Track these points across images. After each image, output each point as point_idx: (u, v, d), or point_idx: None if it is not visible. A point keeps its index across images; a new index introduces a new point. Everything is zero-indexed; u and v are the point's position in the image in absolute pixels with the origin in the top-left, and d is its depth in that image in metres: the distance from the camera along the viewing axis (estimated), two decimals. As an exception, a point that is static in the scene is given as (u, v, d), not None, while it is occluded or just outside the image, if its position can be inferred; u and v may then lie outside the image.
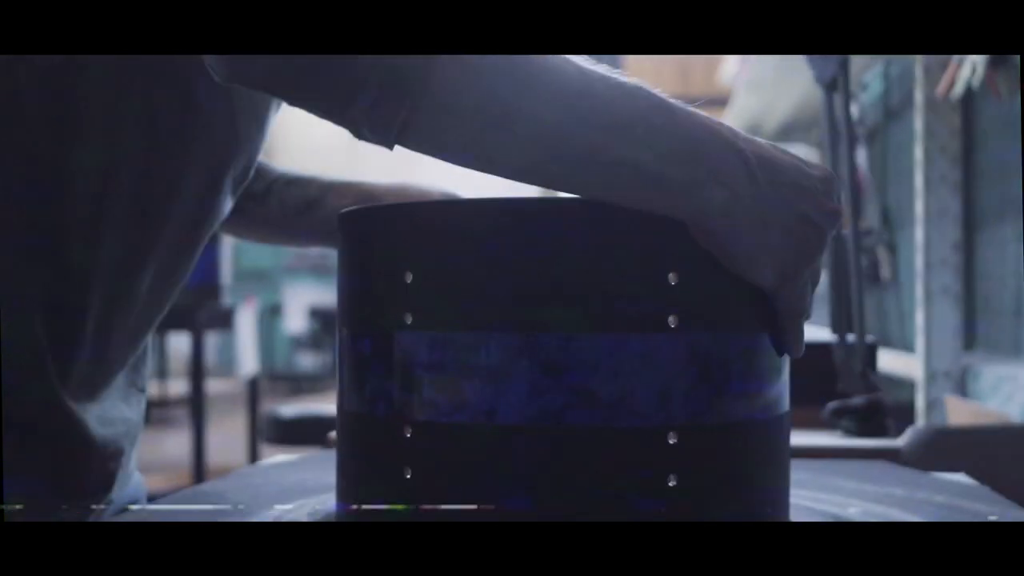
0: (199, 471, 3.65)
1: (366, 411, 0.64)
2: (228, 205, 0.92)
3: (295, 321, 9.55)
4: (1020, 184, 1.58)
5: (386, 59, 0.58)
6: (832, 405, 1.27)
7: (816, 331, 1.54)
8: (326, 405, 4.42)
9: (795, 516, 0.74)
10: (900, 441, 1.24)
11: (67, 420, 0.82)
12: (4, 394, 0.77)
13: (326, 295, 9.70)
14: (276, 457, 1.08)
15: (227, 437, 6.56)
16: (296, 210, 1.09)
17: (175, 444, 6.67)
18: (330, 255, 0.99)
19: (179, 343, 9.02)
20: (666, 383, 0.60)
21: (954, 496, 0.86)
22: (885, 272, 3.16)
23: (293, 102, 0.63)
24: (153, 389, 8.50)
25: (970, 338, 2.14)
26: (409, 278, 0.62)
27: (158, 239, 0.84)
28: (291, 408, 3.52)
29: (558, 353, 0.59)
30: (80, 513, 0.83)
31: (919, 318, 2.10)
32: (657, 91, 0.61)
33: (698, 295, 0.61)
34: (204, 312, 4.22)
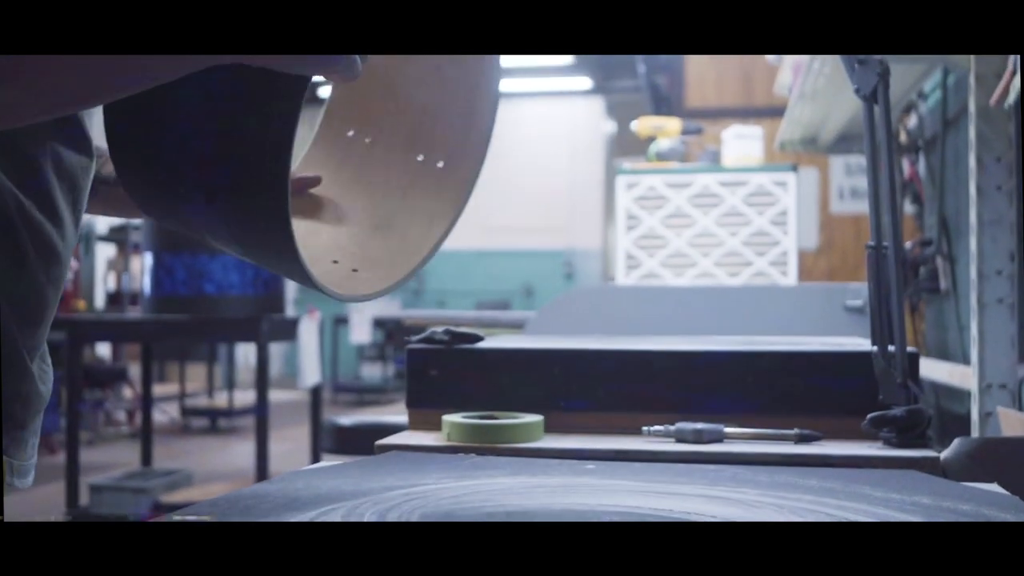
0: (262, 479, 3.72)
1: None
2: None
3: (360, 332, 9.67)
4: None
5: None
6: (872, 416, 1.28)
7: (859, 342, 1.54)
8: (385, 415, 4.47)
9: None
10: (945, 452, 1.24)
11: None
12: None
13: (390, 306, 9.81)
14: (322, 463, 1.12)
15: (292, 446, 6.66)
16: None
17: (241, 453, 6.78)
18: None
19: (249, 353, 9.18)
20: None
21: (981, 505, 0.87)
22: (944, 283, 3.13)
23: None
24: (221, 399, 8.66)
25: (1027, 349, 2.11)
26: None
27: None
28: (349, 417, 3.58)
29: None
30: None
31: (973, 329, 2.08)
32: None
33: None
34: (267, 323, 4.30)
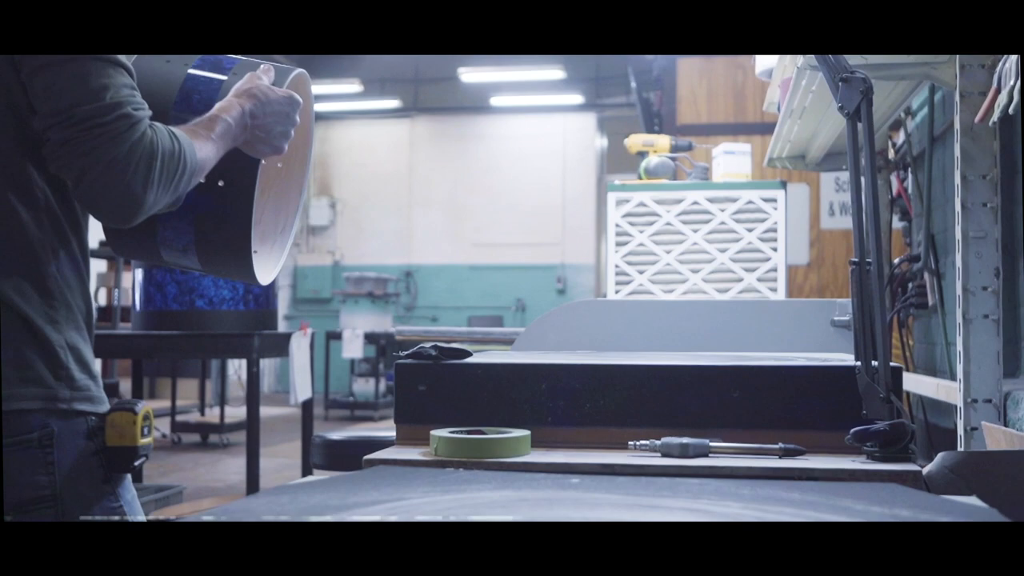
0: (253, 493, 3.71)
1: None
2: None
3: (351, 347, 9.65)
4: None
5: None
6: (855, 430, 1.29)
7: (844, 357, 1.56)
8: (376, 430, 4.47)
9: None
10: (928, 466, 1.25)
11: None
12: None
13: (382, 322, 9.80)
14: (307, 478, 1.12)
15: (284, 462, 6.65)
16: None
17: (232, 468, 6.77)
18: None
19: (240, 369, 9.17)
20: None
21: (959, 517, 0.88)
22: (931, 298, 3.14)
23: None
24: (212, 414, 8.64)
25: (1012, 365, 2.13)
26: None
27: None
28: (340, 432, 3.58)
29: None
30: None
31: (959, 344, 2.09)
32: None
33: None
34: (259, 339, 4.30)
